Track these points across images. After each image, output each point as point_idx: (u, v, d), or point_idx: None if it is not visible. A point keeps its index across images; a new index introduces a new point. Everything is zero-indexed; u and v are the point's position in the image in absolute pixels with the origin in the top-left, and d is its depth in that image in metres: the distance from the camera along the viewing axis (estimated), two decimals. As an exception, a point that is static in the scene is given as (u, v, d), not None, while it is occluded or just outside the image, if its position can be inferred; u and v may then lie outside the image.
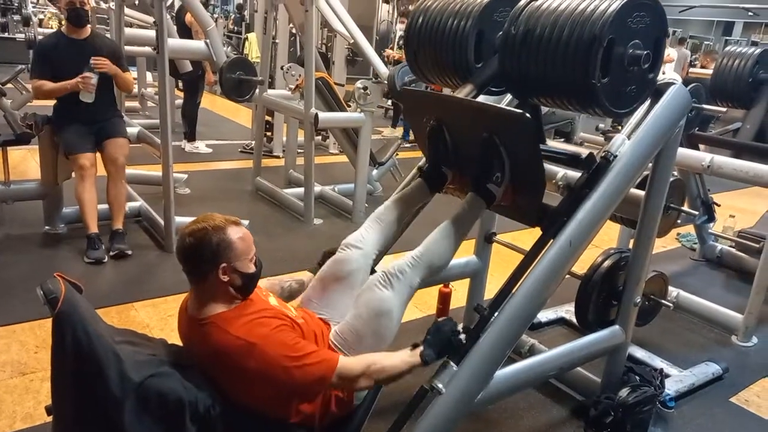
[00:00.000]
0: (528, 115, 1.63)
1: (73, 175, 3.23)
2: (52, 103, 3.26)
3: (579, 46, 1.58)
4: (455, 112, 1.88)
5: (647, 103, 1.86)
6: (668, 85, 1.84)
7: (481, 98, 1.96)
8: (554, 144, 2.11)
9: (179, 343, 1.62)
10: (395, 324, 1.71)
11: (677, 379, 2.38)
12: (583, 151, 1.82)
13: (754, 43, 14.20)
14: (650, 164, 1.90)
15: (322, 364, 1.47)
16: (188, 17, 5.13)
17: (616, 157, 1.73)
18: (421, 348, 1.53)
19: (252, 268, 1.52)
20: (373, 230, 1.90)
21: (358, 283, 1.78)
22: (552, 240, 1.67)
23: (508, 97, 2.13)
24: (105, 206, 3.27)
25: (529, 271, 1.67)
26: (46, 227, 3.37)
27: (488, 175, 1.78)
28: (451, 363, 1.56)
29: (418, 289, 1.79)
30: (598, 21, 1.56)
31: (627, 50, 1.64)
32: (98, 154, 3.24)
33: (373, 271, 1.87)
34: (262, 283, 1.88)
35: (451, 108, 1.89)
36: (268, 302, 1.62)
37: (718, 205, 3.74)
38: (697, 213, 2.24)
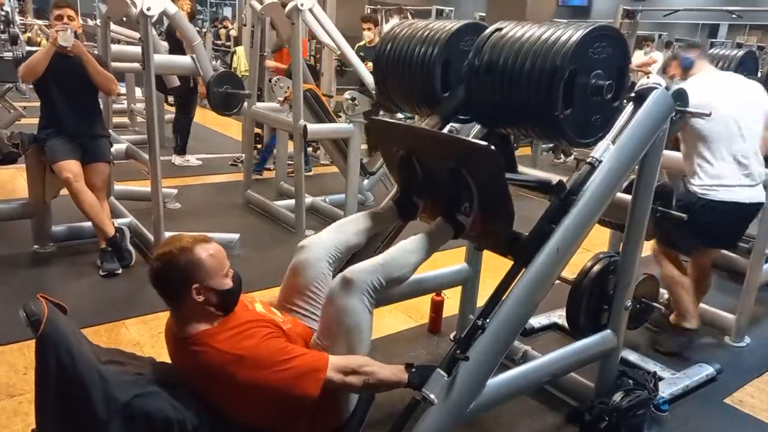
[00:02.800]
0: (492, 147, 1.60)
1: (63, 192, 3.22)
2: (37, 120, 3.25)
3: (541, 78, 1.57)
4: (423, 142, 1.86)
5: (631, 107, 1.87)
6: (651, 89, 1.85)
7: (453, 125, 1.94)
8: (525, 170, 2.10)
9: (169, 360, 1.61)
10: (366, 333, 1.65)
11: (670, 382, 2.38)
12: (554, 178, 1.80)
13: (739, 45, 14.35)
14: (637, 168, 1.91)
15: (314, 360, 1.47)
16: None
17: (601, 162, 1.74)
18: (412, 370, 1.58)
19: (228, 284, 1.51)
20: (329, 233, 1.88)
21: (320, 289, 1.76)
22: (524, 269, 1.65)
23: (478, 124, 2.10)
24: (89, 224, 3.25)
25: (518, 278, 1.67)
26: (35, 246, 3.34)
27: (457, 204, 1.76)
28: (443, 372, 1.55)
29: (379, 297, 1.70)
30: (559, 53, 1.54)
31: (589, 81, 1.63)
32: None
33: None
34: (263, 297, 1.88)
35: (419, 139, 1.86)
36: (254, 310, 1.61)
37: (707, 206, 3.76)
38: (685, 216, 2.24)
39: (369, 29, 5.94)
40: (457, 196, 1.76)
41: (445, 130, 1.97)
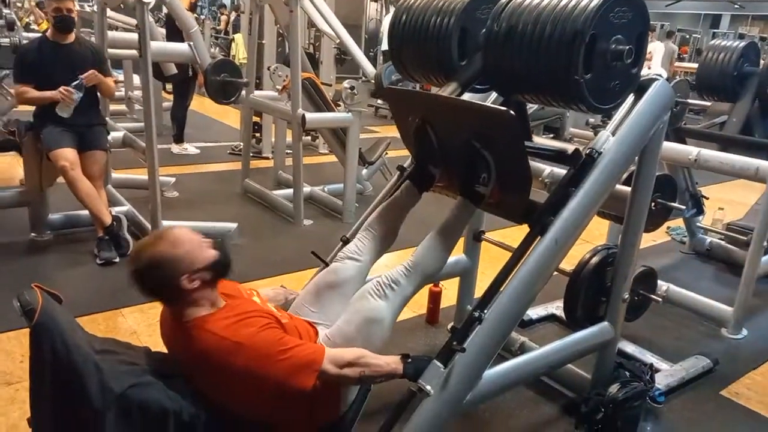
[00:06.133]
0: (512, 112, 1.61)
1: (60, 179, 3.21)
2: (33, 108, 3.23)
3: (561, 42, 1.58)
4: (440, 110, 1.87)
5: (631, 98, 1.85)
6: (651, 80, 1.83)
7: (467, 96, 1.95)
8: (540, 140, 2.10)
9: (164, 350, 1.61)
10: (386, 332, 1.71)
11: (667, 374, 2.38)
12: (569, 147, 1.81)
13: (741, 36, 14.26)
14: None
15: (310, 352, 1.48)
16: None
17: (600, 153, 1.73)
18: (408, 360, 1.57)
19: (211, 254, 1.50)
20: (368, 240, 1.90)
21: (351, 292, 1.78)
22: (539, 236, 1.66)
23: (494, 94, 2.11)
24: (86, 212, 3.23)
25: (516, 269, 1.66)
26: (32, 234, 3.33)
27: (474, 176, 1.77)
28: (439, 363, 1.55)
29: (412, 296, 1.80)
30: (580, 16, 1.55)
31: (609, 46, 1.64)
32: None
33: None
34: (266, 292, 1.88)
35: (436, 107, 1.88)
36: (253, 301, 1.61)
37: (707, 198, 3.76)
38: (684, 207, 2.23)
39: None
40: (474, 166, 1.77)
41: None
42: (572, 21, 1.56)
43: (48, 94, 3.06)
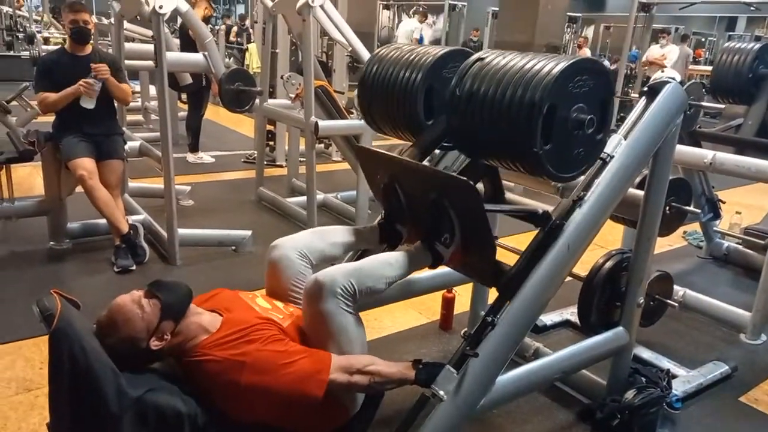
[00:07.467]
0: (470, 182, 1.57)
1: (78, 189, 3.26)
2: (52, 118, 3.29)
3: (520, 112, 1.52)
4: (405, 172, 1.84)
5: (643, 102, 1.85)
6: (664, 83, 1.83)
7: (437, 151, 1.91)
8: (514, 197, 2.04)
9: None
10: (354, 334, 1.62)
11: (684, 380, 2.35)
12: (540, 207, 1.76)
13: (758, 38, 14.10)
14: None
15: (317, 361, 1.47)
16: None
17: (612, 157, 1.72)
18: (420, 366, 1.56)
19: (156, 308, 1.48)
20: (303, 235, 1.88)
21: (300, 287, 1.74)
22: (508, 301, 1.62)
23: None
24: (104, 221, 3.28)
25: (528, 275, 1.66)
26: (51, 243, 3.39)
27: (437, 235, 1.74)
28: (452, 369, 1.55)
29: (354, 302, 1.64)
30: (538, 87, 1.49)
31: (570, 114, 1.57)
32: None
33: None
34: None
35: (401, 168, 1.84)
36: (254, 310, 1.61)
37: (723, 202, 3.72)
38: (699, 211, 2.21)
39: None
40: (436, 227, 1.73)
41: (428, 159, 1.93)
42: (530, 91, 1.50)
43: (69, 90, 3.12)
